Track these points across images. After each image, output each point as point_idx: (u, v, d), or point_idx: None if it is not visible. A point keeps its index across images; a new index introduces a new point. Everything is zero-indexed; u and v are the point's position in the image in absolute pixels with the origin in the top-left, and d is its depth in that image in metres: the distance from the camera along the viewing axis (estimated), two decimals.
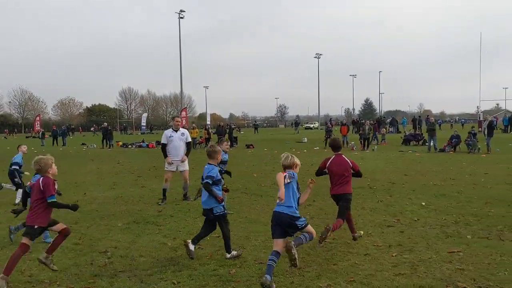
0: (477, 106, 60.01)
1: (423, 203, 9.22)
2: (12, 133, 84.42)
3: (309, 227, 5.21)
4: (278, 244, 5.02)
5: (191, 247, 5.83)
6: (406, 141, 29.74)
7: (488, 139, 22.51)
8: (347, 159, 6.66)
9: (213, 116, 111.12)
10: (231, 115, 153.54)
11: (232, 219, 8.17)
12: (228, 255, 5.87)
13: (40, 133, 45.20)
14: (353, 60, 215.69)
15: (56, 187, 5.43)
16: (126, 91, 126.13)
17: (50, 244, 5.55)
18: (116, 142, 37.07)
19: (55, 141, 40.37)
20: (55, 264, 5.60)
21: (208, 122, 67.79)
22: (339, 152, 6.73)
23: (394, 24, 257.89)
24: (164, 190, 10.15)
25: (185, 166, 10.34)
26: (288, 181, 5.03)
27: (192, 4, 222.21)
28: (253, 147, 30.13)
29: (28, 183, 6.63)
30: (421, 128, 38.41)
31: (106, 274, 5.35)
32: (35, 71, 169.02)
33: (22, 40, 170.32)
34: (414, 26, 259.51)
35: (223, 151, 8.26)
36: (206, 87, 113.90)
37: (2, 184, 10.54)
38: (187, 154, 10.39)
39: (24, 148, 10.65)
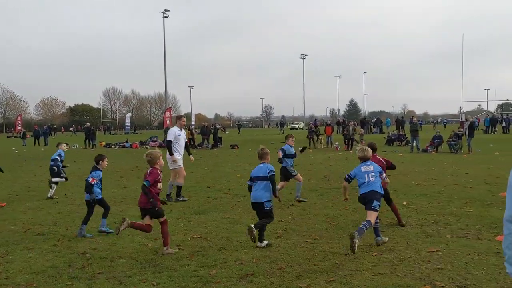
0: (460, 107, 60.97)
1: (405, 203, 9.30)
2: None
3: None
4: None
5: (260, 243, 6.26)
6: (390, 141, 30.03)
7: (469, 139, 22.85)
8: (381, 158, 7.38)
9: (198, 116, 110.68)
10: (217, 116, 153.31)
11: (214, 219, 8.16)
12: (260, 244, 6.27)
13: (22, 133, 44.50)
14: (339, 60, 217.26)
15: (160, 178, 6.21)
16: (110, 90, 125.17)
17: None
18: (99, 142, 36.66)
19: (36, 141, 39.79)
20: (32, 267, 5.53)
21: (193, 123, 67.54)
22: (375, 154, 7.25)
23: (379, 25, 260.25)
24: (181, 187, 10.27)
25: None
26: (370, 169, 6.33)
27: (179, 4, 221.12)
28: (238, 148, 30.10)
29: (91, 179, 7.25)
30: (404, 129, 38.78)
31: (84, 276, 5.27)
32: (16, 70, 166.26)
33: (2, 38, 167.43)
34: (399, 28, 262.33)
35: (289, 145, 9.87)
36: (191, 87, 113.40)
37: (52, 180, 10.94)
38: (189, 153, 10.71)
39: (63, 146, 11.57)
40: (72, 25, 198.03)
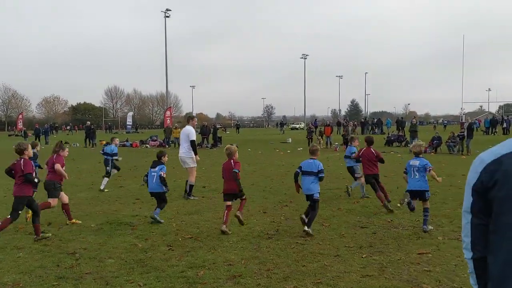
0: (461, 108, 60.81)
1: (399, 204, 9.25)
2: None
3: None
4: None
5: (309, 230, 6.91)
6: (389, 142, 29.96)
7: (468, 140, 22.77)
8: (373, 150, 9.19)
9: (200, 116, 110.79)
10: (218, 115, 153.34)
11: (206, 220, 8.16)
12: (307, 228, 6.96)
13: (23, 131, 44.64)
14: (341, 61, 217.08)
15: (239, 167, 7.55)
16: (112, 89, 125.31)
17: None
18: (100, 141, 36.66)
19: (37, 140, 39.83)
20: (20, 267, 5.53)
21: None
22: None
23: (380, 25, 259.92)
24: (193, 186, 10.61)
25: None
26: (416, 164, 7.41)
27: (183, 4, 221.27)
28: (237, 147, 30.05)
29: (162, 172, 8.01)
30: (404, 130, 38.70)
31: (71, 276, 5.26)
32: (19, 68, 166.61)
33: (5, 36, 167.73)
34: (400, 28, 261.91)
35: (354, 147, 10.64)
36: (193, 87, 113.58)
37: (110, 170, 12.29)
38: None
39: (117, 141, 13.14)
40: (76, 24, 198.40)
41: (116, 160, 12.60)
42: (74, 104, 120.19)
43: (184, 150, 10.42)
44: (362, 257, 5.85)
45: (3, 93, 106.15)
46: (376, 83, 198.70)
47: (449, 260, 5.68)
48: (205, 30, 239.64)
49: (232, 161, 7.59)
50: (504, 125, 45.98)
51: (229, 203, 7.42)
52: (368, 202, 9.61)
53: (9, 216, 6.71)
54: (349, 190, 10.07)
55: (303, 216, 7.10)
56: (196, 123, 11.15)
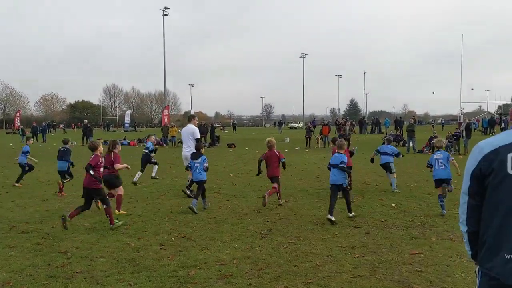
0: (461, 108, 60.89)
1: (393, 204, 9.27)
2: None
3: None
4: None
5: (332, 218, 7.62)
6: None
7: (466, 140, 22.81)
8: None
9: (198, 114, 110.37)
10: (217, 114, 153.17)
11: (200, 219, 8.14)
12: (350, 214, 8.03)
13: (20, 129, 44.59)
14: (340, 60, 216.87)
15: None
16: (110, 87, 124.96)
17: None
18: (98, 139, 36.52)
19: (35, 138, 39.76)
20: (12, 265, 5.51)
21: None
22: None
23: (381, 25, 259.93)
24: None
25: None
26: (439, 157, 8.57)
27: (182, 2, 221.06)
28: (235, 147, 30.07)
29: (206, 164, 9.07)
30: (402, 129, 38.71)
31: (62, 275, 5.25)
32: (17, 66, 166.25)
33: (4, 35, 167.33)
34: (400, 28, 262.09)
35: (391, 146, 11.81)
36: (191, 85, 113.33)
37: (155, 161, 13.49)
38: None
39: (152, 138, 14.26)
40: (74, 22, 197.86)
41: (154, 151, 13.66)
42: (73, 102, 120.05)
43: (190, 149, 10.41)
44: (354, 257, 5.84)
45: (1, 91, 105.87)
46: (375, 82, 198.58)
47: (441, 260, 5.68)
48: (204, 29, 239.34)
49: (276, 151, 9.29)
50: (502, 125, 46.04)
51: (275, 184, 9.10)
52: (362, 202, 9.60)
53: (105, 206, 7.61)
54: (396, 190, 10.97)
55: (332, 216, 7.74)
56: (197, 122, 11.37)
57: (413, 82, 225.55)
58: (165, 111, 48.43)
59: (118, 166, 8.48)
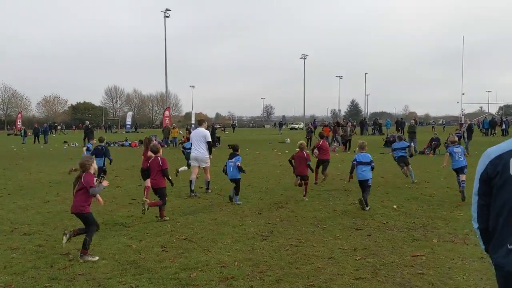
0: (462, 109, 60.82)
1: (395, 206, 9.27)
2: None
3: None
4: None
5: (366, 207, 8.86)
6: (388, 143, 29.91)
7: (467, 142, 22.80)
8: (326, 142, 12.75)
9: (199, 115, 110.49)
10: (218, 115, 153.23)
11: (201, 221, 8.14)
12: (367, 208, 8.93)
13: (22, 130, 44.66)
14: (341, 61, 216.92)
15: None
16: (112, 89, 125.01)
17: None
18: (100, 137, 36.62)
19: (36, 139, 39.82)
20: (13, 267, 5.52)
21: (193, 122, 67.33)
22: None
23: (381, 26, 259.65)
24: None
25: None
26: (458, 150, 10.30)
27: (183, 4, 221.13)
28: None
29: (238, 163, 9.87)
30: (403, 131, 38.66)
31: (64, 277, 5.25)
32: (19, 67, 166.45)
33: (5, 36, 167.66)
34: (401, 28, 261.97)
35: (402, 142, 13.58)
36: (192, 87, 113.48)
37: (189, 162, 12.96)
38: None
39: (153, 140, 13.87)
40: (76, 23, 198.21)
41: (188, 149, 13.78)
42: (74, 103, 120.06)
43: (202, 151, 11.22)
44: (356, 260, 5.83)
45: (3, 92, 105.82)
46: (376, 83, 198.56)
47: (443, 262, 5.67)
48: (205, 30, 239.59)
49: (305, 152, 10.26)
50: (503, 126, 45.97)
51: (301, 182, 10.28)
52: None
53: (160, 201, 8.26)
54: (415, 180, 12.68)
55: (362, 199, 9.00)
56: (206, 125, 12.11)
57: (414, 83, 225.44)
58: (167, 113, 48.50)
59: (166, 172, 8.82)
